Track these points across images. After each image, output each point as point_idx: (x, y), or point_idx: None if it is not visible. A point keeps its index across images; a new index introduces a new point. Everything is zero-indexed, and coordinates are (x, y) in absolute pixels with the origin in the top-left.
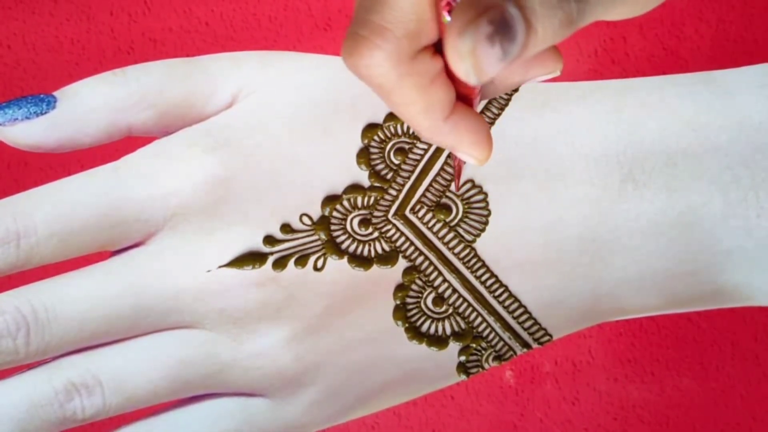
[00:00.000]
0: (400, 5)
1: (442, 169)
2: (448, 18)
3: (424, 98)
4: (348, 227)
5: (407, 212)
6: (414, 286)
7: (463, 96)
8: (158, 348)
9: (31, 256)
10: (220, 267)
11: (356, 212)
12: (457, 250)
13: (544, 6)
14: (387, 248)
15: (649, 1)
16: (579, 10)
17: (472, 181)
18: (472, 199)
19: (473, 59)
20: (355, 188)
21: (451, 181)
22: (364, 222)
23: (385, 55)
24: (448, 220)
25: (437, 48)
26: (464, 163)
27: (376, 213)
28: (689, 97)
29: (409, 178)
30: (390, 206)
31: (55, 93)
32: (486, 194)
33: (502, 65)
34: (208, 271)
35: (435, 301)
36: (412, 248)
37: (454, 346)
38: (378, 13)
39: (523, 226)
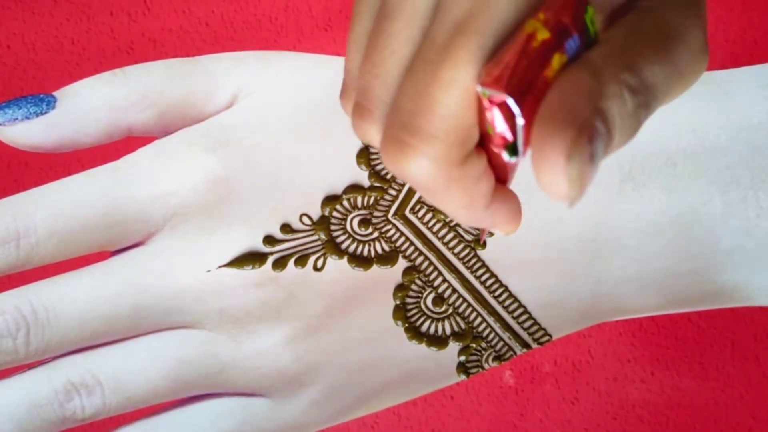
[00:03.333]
0: (448, 112)
1: None
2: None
3: (470, 197)
4: (348, 227)
5: (407, 212)
6: (414, 286)
7: (496, 173)
8: (158, 348)
9: (31, 256)
10: (220, 267)
11: (356, 212)
12: (456, 250)
13: (623, 117)
14: (387, 248)
15: (694, 75)
16: (646, 112)
17: None
18: None
19: (580, 183)
20: (355, 188)
21: None
22: (364, 222)
23: (433, 164)
24: (447, 220)
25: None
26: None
27: (376, 213)
28: (689, 97)
29: None
30: (390, 206)
31: (55, 93)
32: None
33: (593, 179)
34: (208, 271)
35: (435, 301)
36: (411, 248)
37: (453, 346)
38: (426, 120)
39: (523, 226)
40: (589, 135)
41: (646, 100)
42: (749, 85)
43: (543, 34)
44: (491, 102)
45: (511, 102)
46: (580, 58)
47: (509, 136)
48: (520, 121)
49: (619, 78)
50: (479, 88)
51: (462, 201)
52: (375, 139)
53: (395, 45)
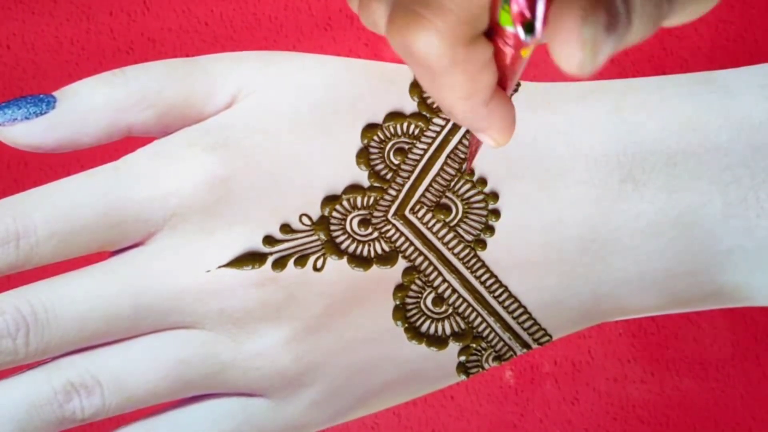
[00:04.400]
0: None
1: (441, 169)
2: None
3: (471, 85)
4: (347, 227)
5: (407, 212)
6: (414, 287)
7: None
8: (158, 348)
9: (31, 256)
10: (220, 267)
11: (356, 212)
12: (456, 251)
13: (644, 5)
14: (387, 248)
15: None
16: (668, 10)
17: (471, 181)
18: (472, 200)
19: (593, 48)
20: (354, 188)
21: (450, 181)
22: (364, 222)
23: (441, 37)
24: (447, 220)
25: (487, 35)
26: (481, 144)
27: (376, 213)
28: (689, 97)
29: (408, 178)
30: (389, 206)
31: (54, 93)
32: (485, 194)
33: (608, 57)
34: (208, 271)
35: (435, 302)
36: (411, 248)
37: (453, 347)
38: None
39: (523, 226)
40: (607, 7)
41: None
42: (749, 85)
43: None
44: None
45: None
46: None
47: (528, 13)
48: None
49: None
50: None
51: (463, 88)
52: (380, 20)
53: None
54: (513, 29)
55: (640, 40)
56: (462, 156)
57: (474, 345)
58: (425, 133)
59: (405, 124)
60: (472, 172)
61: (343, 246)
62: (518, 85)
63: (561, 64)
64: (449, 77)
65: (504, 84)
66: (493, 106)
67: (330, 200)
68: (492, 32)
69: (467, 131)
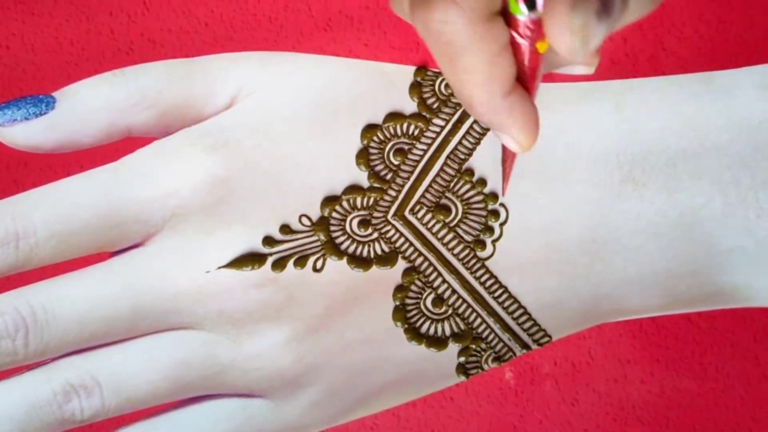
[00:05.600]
0: None
1: (441, 169)
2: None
3: (490, 68)
4: (347, 228)
5: (406, 213)
6: (413, 287)
7: (519, 78)
8: (157, 349)
9: (31, 257)
10: (220, 268)
11: (355, 213)
12: (456, 251)
13: None
14: (386, 249)
15: None
16: None
17: (471, 182)
18: (472, 200)
19: (583, 34)
20: (354, 189)
21: (450, 181)
22: (364, 223)
23: (461, 12)
24: (447, 220)
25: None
26: (514, 158)
27: (376, 214)
28: (689, 98)
29: (408, 178)
30: (389, 207)
31: (54, 93)
32: (485, 195)
33: (602, 40)
34: (208, 271)
35: (434, 302)
36: (411, 249)
37: (453, 347)
38: None
39: (523, 227)
40: None
41: None
42: (749, 85)
43: None
44: None
45: None
46: None
47: None
48: None
49: None
50: None
51: (482, 70)
52: (406, 4)
53: None
54: (521, 15)
55: (641, 17)
56: (462, 157)
57: (474, 346)
58: (425, 134)
59: (405, 125)
60: (472, 173)
61: (343, 247)
62: None
63: (556, 49)
64: (468, 56)
65: (526, 85)
66: (514, 100)
67: (330, 201)
68: (507, 22)
69: (467, 132)
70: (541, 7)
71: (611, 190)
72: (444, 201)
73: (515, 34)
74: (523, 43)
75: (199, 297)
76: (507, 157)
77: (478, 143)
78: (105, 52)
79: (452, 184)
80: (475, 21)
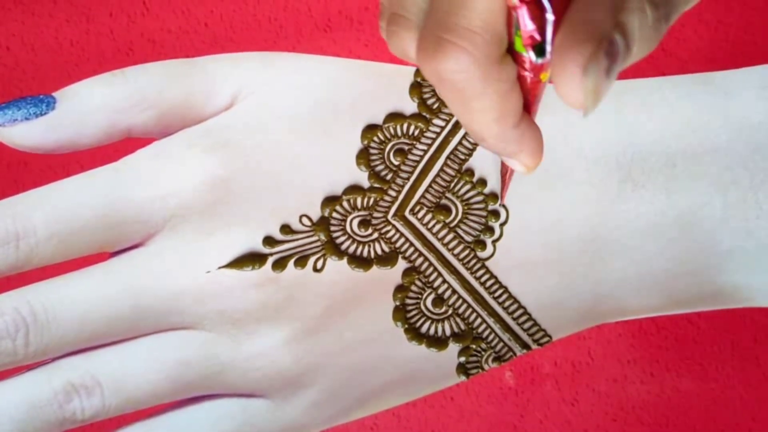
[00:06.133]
0: (483, 9)
1: (441, 170)
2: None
3: (503, 105)
4: (348, 228)
5: (407, 213)
6: (414, 287)
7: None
8: (158, 349)
9: (31, 257)
10: (220, 268)
11: (356, 213)
12: (456, 251)
13: (642, 29)
14: (386, 249)
15: None
16: (666, 24)
17: (471, 182)
18: (472, 200)
19: (595, 95)
20: (354, 189)
21: (450, 182)
22: (364, 223)
23: (472, 60)
24: (447, 221)
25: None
26: (513, 173)
27: (376, 214)
28: (689, 98)
29: (408, 179)
30: (389, 207)
31: (54, 94)
32: (485, 195)
33: (608, 92)
34: (208, 271)
35: (435, 302)
36: (411, 249)
37: (453, 347)
38: (464, 17)
39: (523, 227)
40: (607, 49)
41: (666, 12)
42: (749, 86)
43: None
44: (521, 0)
45: None
46: None
47: (537, 36)
48: (550, 16)
49: None
50: None
51: (496, 108)
52: (410, 48)
53: None
54: (527, 54)
55: (642, 57)
56: (462, 157)
57: (474, 346)
58: (425, 134)
59: (405, 125)
60: (472, 173)
61: (343, 247)
62: None
63: (565, 101)
64: (481, 99)
65: (528, 108)
66: (523, 128)
67: (330, 201)
68: (513, 59)
69: (467, 133)
70: (550, 55)
71: (611, 191)
72: (444, 201)
73: (520, 69)
74: (528, 76)
75: (200, 297)
76: (507, 170)
77: (478, 143)
78: (105, 53)
79: (452, 185)
80: (487, 66)
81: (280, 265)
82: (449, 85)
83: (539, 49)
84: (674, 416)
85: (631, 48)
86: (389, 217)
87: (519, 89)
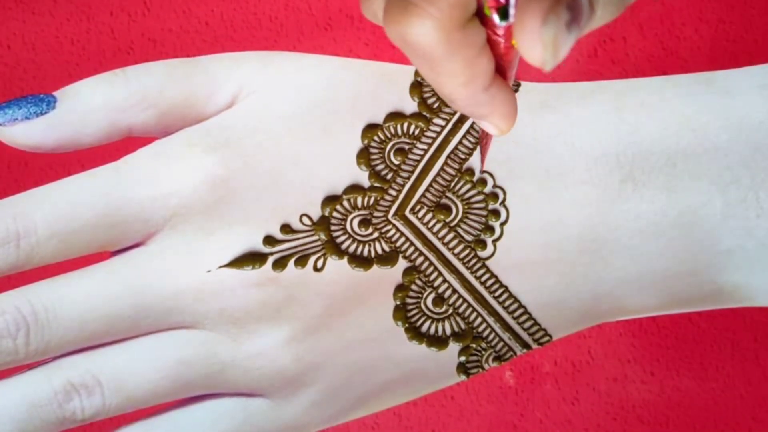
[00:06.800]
0: None
1: (442, 169)
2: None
3: (470, 70)
4: (348, 227)
5: (407, 212)
6: (414, 287)
7: (497, 68)
8: (158, 348)
9: (32, 256)
10: (220, 267)
11: (356, 212)
12: (456, 251)
13: None
14: (387, 248)
15: None
16: None
17: (471, 181)
18: (472, 200)
19: (554, 47)
20: (355, 188)
21: (451, 181)
22: (364, 222)
23: (436, 24)
24: (448, 220)
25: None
26: (491, 139)
27: (376, 213)
28: (689, 98)
29: (408, 178)
30: (390, 206)
31: (55, 93)
32: (485, 195)
33: (570, 49)
34: (208, 271)
35: (435, 302)
36: (412, 249)
37: (454, 347)
38: None
39: (523, 227)
40: (569, 2)
41: None
42: (749, 85)
43: None
44: None
45: None
46: None
47: None
48: None
49: None
50: None
51: (463, 74)
52: (379, 11)
53: None
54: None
55: (607, 23)
56: (462, 156)
57: (474, 345)
58: (425, 134)
59: (405, 125)
60: (473, 173)
61: (344, 246)
62: (518, 85)
63: (527, 59)
64: (448, 63)
65: (503, 73)
66: (494, 91)
67: (330, 200)
68: (482, 21)
69: (467, 132)
70: (513, 18)
71: (611, 190)
72: (444, 200)
73: (491, 33)
74: (500, 41)
75: (200, 296)
76: (484, 136)
77: (478, 143)
78: (105, 52)
79: (453, 184)
80: (451, 30)
81: (280, 264)
82: (415, 49)
83: (503, 12)
84: (674, 415)
85: (595, 8)
86: (389, 216)
87: (489, 53)
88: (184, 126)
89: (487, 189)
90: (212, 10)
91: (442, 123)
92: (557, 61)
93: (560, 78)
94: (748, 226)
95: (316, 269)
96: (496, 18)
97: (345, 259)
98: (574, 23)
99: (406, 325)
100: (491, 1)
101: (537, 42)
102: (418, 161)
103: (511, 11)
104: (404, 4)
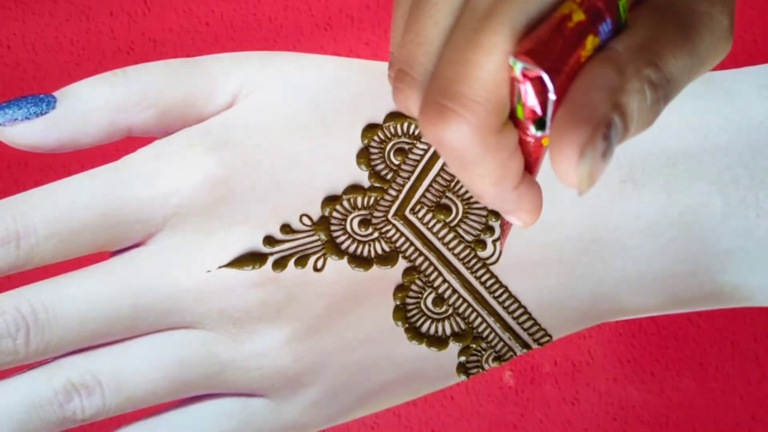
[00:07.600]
0: (488, 77)
1: (441, 169)
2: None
3: (502, 171)
4: (348, 227)
5: (407, 212)
6: (414, 287)
7: (525, 164)
8: (158, 348)
9: (31, 256)
10: (220, 267)
11: (356, 212)
12: (457, 251)
13: (641, 111)
14: (387, 248)
15: (716, 60)
16: (665, 104)
17: None
18: (472, 200)
19: (590, 178)
20: (355, 188)
21: (451, 181)
22: (364, 222)
23: (472, 129)
24: (447, 220)
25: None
26: (511, 225)
27: (376, 213)
28: (689, 98)
29: (409, 178)
30: (390, 206)
31: (55, 93)
32: None
33: (603, 171)
34: (208, 271)
35: (435, 302)
36: (411, 249)
37: (454, 347)
38: (466, 85)
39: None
40: (604, 132)
41: (665, 93)
42: (749, 85)
43: (578, 16)
44: (525, 76)
45: (545, 77)
46: (609, 42)
47: (539, 111)
48: (552, 96)
49: (641, 74)
50: (512, 60)
51: (494, 174)
52: (413, 106)
53: (438, 16)
54: (527, 124)
55: (638, 134)
56: None
57: (474, 345)
58: None
59: (405, 124)
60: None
61: (344, 246)
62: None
63: (560, 181)
64: (481, 165)
65: (530, 168)
66: (522, 189)
67: (330, 200)
68: (514, 122)
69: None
70: (549, 130)
71: (611, 190)
72: (444, 201)
73: (521, 132)
74: (530, 140)
75: (200, 296)
76: (506, 222)
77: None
78: (105, 52)
79: (453, 184)
80: (487, 135)
81: (280, 264)
82: (450, 150)
83: (540, 123)
84: (674, 415)
85: (629, 129)
86: (390, 216)
87: (519, 155)
88: (184, 126)
89: None
90: (212, 10)
91: None
92: (591, 187)
93: None
94: (748, 226)
95: (316, 269)
96: (532, 128)
97: (345, 259)
98: (609, 149)
99: (406, 325)
100: (528, 112)
101: (574, 174)
102: (418, 161)
103: (548, 123)
104: (441, 107)
